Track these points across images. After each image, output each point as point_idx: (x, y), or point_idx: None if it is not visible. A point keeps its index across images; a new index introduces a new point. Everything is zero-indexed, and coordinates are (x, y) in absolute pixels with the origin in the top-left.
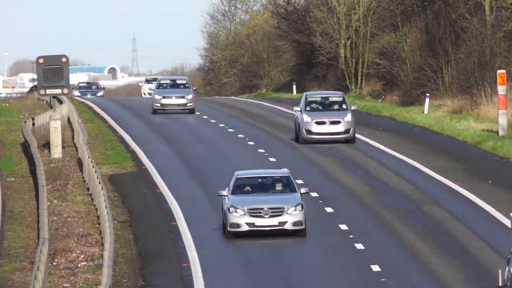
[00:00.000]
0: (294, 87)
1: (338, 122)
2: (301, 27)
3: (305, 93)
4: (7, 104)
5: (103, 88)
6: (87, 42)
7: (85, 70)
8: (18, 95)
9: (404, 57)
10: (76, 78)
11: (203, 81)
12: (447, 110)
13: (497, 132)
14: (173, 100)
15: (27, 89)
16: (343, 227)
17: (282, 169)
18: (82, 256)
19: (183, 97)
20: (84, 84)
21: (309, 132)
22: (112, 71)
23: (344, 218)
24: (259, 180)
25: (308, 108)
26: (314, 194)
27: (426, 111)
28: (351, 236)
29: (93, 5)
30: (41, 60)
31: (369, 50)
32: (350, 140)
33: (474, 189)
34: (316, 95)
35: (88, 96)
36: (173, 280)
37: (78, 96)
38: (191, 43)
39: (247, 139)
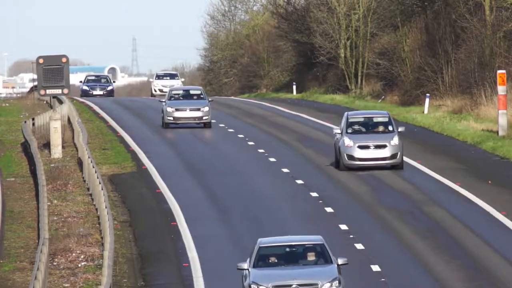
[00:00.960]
0: (294, 87)
1: (384, 146)
2: (301, 27)
3: (346, 113)
4: (7, 104)
5: (114, 81)
6: (87, 42)
7: (85, 70)
8: (18, 95)
9: (404, 57)
10: (76, 78)
11: (203, 81)
12: (447, 110)
13: (497, 132)
14: (187, 113)
15: (27, 89)
16: (343, 227)
17: (315, 236)
18: (82, 256)
19: (199, 109)
20: (93, 78)
21: (351, 157)
22: (112, 71)
23: (344, 218)
24: (287, 249)
25: (349, 130)
26: (314, 194)
27: (426, 111)
28: (351, 236)
29: (93, 5)
30: (41, 60)
31: (369, 50)
32: (397, 166)
33: (474, 189)
34: (358, 115)
35: (97, 91)
36: (173, 280)
37: (86, 90)
38: (191, 43)
39: (247, 139)
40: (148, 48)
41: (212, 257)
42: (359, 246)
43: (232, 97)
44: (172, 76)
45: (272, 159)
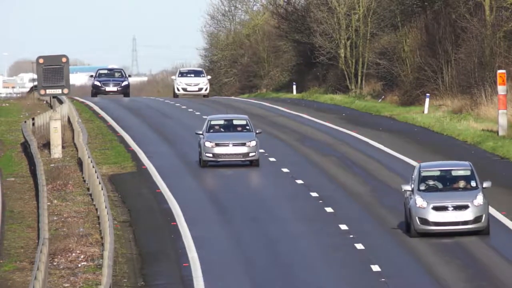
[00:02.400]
0: (294, 87)
1: (465, 207)
2: (301, 27)
3: (418, 165)
4: (7, 104)
5: (129, 76)
6: (87, 42)
7: (85, 70)
8: (18, 95)
9: (404, 57)
10: (76, 78)
11: None
12: (447, 110)
13: (497, 132)
14: (230, 149)
15: (27, 89)
16: (343, 227)
17: None
18: (82, 256)
19: (244, 144)
20: (105, 72)
21: (424, 221)
22: None
23: (344, 218)
24: None
25: (422, 187)
26: (314, 194)
27: (426, 111)
28: (351, 236)
29: (93, 5)
30: (41, 60)
31: (369, 50)
32: (483, 232)
33: None
34: (433, 167)
35: (111, 87)
36: (173, 280)
37: (98, 86)
38: (191, 43)
39: None
40: (148, 48)
41: (212, 257)
42: (359, 246)
43: (232, 97)
44: (197, 73)
45: (272, 159)
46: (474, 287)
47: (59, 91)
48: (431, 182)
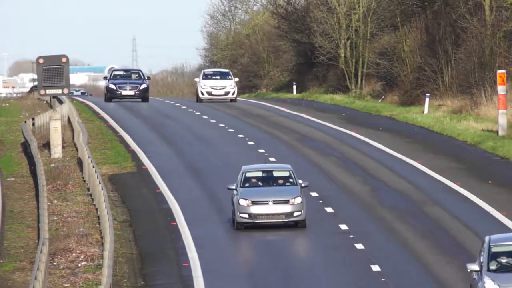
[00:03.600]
0: (294, 87)
1: None
2: (301, 27)
3: (487, 238)
4: (7, 104)
5: (148, 77)
6: (87, 42)
7: (85, 70)
8: (18, 95)
9: (404, 57)
10: (76, 78)
11: None
12: (447, 110)
13: (497, 132)
14: (270, 208)
15: (27, 89)
16: (343, 227)
17: None
18: (82, 256)
19: (287, 201)
20: (121, 73)
21: None
22: None
23: (344, 218)
24: None
25: (492, 266)
26: (314, 194)
27: (426, 111)
28: (351, 236)
29: (93, 5)
30: (41, 60)
31: (369, 50)
32: None
33: (474, 189)
34: (506, 241)
35: (127, 90)
36: (173, 280)
37: (113, 90)
38: (191, 43)
39: (247, 139)
40: (148, 48)
41: (212, 257)
42: (359, 246)
43: None
44: (224, 75)
45: (272, 159)
46: None
47: (59, 91)
48: (503, 260)
